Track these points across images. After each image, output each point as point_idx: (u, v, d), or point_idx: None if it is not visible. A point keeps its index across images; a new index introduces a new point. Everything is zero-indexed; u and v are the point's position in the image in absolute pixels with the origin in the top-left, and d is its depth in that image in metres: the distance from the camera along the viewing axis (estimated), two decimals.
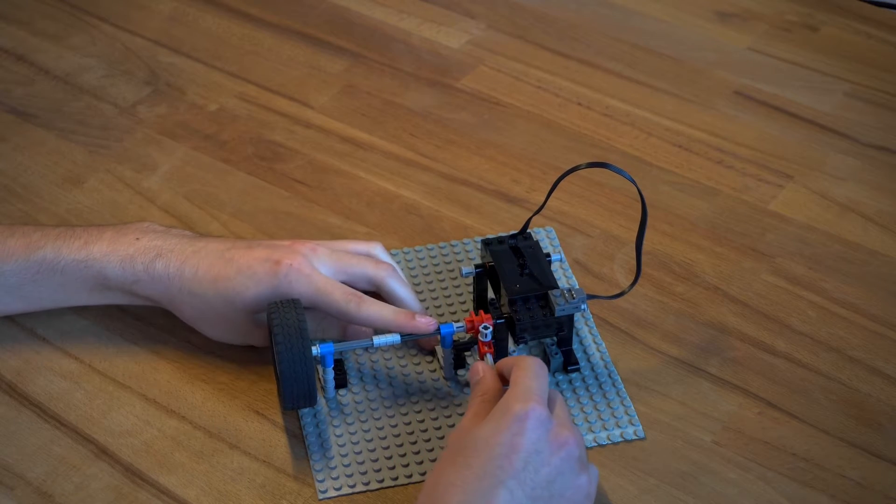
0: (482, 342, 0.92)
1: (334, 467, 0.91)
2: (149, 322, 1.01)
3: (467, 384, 0.95)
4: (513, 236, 0.97)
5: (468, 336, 0.95)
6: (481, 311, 0.93)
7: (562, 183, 0.95)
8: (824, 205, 1.11)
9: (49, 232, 0.97)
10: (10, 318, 1.00)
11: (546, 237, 1.07)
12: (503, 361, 0.88)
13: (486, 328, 0.92)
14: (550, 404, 0.84)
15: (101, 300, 0.98)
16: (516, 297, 0.93)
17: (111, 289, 0.96)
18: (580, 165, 0.93)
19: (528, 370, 0.84)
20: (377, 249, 0.98)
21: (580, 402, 0.94)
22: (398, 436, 0.93)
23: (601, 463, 0.91)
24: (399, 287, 0.96)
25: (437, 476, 0.80)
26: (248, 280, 0.93)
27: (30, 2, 1.35)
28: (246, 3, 1.35)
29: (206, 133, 1.19)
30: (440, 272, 1.05)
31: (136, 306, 1.00)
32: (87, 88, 1.24)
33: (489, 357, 0.92)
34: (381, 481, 0.90)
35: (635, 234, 0.92)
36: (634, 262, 0.93)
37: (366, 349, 0.97)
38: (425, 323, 0.93)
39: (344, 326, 0.96)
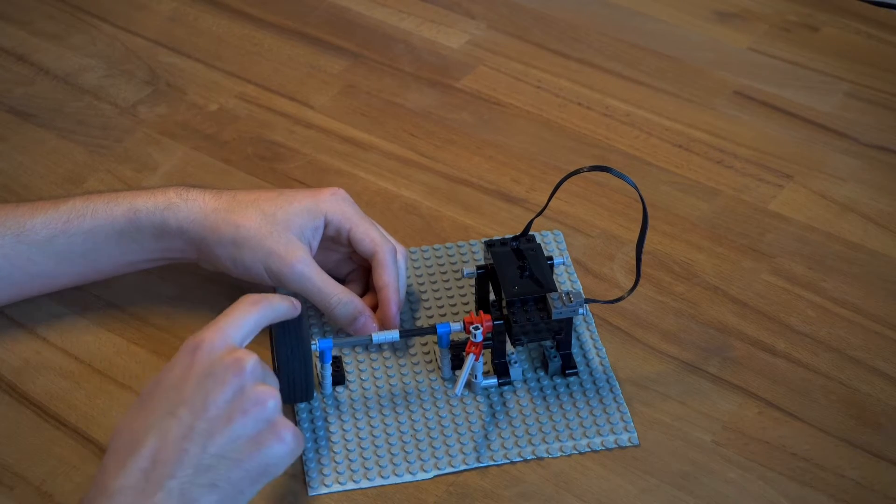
0: (471, 342, 0.92)
1: (326, 464, 0.91)
2: (149, 322, 1.01)
3: (465, 385, 0.95)
4: (515, 238, 0.97)
5: (465, 336, 0.95)
6: (481, 312, 0.93)
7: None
8: (824, 205, 1.11)
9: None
10: (10, 318, 1.00)
11: (553, 240, 1.07)
12: None
13: (475, 328, 0.91)
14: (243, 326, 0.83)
15: (130, 249, 0.97)
16: (514, 299, 0.92)
17: (141, 228, 0.96)
18: (582, 169, 0.92)
19: (229, 310, 0.84)
20: (400, 249, 1.00)
21: (576, 407, 0.94)
22: (392, 434, 0.93)
23: (601, 463, 0.91)
24: (393, 266, 0.97)
25: (119, 423, 0.79)
26: (289, 200, 0.97)
27: (30, 2, 1.35)
28: (246, 3, 1.35)
29: (206, 133, 1.19)
30: (445, 272, 1.05)
31: (135, 311, 1.00)
32: (88, 88, 1.24)
33: (471, 358, 0.91)
34: (372, 480, 0.90)
35: (635, 234, 0.92)
36: (634, 262, 0.93)
37: (365, 346, 0.98)
38: (362, 325, 0.96)
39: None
